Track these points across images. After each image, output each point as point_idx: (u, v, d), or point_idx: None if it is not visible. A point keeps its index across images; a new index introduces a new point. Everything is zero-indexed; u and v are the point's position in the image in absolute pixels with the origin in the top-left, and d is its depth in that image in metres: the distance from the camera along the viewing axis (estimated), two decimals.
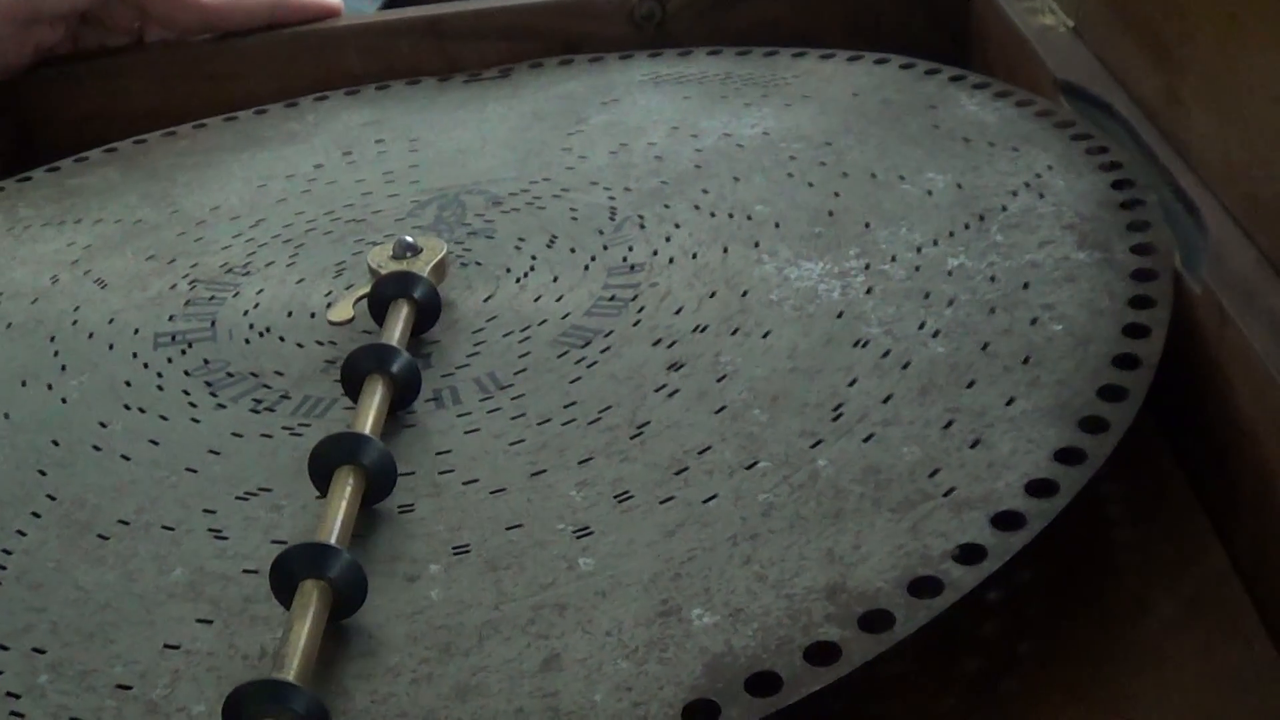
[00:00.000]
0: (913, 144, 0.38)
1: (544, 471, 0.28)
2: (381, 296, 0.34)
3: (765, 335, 0.31)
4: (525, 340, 0.33)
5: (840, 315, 0.31)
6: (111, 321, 0.36)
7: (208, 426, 0.31)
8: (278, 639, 0.24)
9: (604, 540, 0.26)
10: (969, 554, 0.23)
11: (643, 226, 0.37)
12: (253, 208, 0.42)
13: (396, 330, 0.32)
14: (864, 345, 0.30)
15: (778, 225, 0.36)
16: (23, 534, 0.28)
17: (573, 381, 0.31)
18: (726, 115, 0.43)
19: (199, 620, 0.25)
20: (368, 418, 0.29)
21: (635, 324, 0.33)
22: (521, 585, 0.25)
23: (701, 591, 0.24)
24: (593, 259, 0.36)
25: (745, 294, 0.33)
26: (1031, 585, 0.26)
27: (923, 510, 0.25)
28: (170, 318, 0.36)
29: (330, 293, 0.37)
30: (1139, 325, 0.28)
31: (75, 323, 0.36)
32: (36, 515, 0.28)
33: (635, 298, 0.34)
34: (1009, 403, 0.27)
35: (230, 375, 0.33)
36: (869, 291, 0.32)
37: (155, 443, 0.31)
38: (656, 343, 0.32)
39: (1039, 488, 0.25)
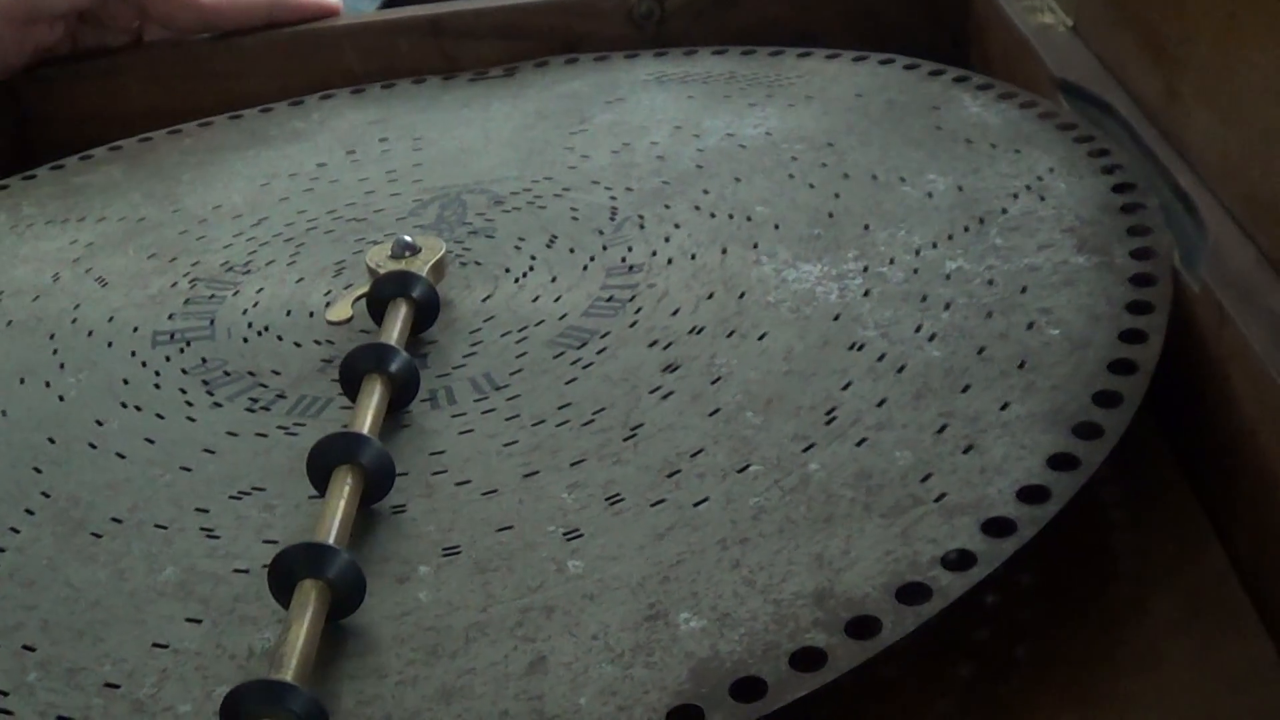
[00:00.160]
0: (915, 145, 0.38)
1: (536, 473, 0.28)
2: (380, 296, 0.34)
3: (761, 337, 0.31)
4: (522, 341, 0.33)
5: (837, 318, 0.31)
6: (111, 320, 0.36)
7: (203, 425, 0.31)
8: (266, 639, 0.24)
9: (594, 543, 0.26)
10: (958, 560, 0.23)
11: (642, 227, 0.37)
12: (255, 206, 0.42)
13: (395, 330, 0.32)
14: (860, 348, 0.30)
15: (777, 227, 0.36)
16: (16, 531, 0.28)
17: (568, 383, 0.31)
18: (730, 115, 0.43)
19: (188, 619, 0.25)
20: (366, 417, 0.29)
21: (632, 325, 0.33)
22: (510, 587, 0.25)
23: (689, 595, 0.24)
24: (592, 259, 0.36)
25: (742, 296, 0.33)
26: (1029, 585, 0.26)
27: (913, 515, 0.25)
28: (170, 316, 0.36)
29: (330, 292, 0.37)
30: (1136, 330, 0.28)
31: (75, 321, 0.37)
32: (30, 513, 0.29)
33: (633, 298, 0.34)
34: (1003, 407, 0.27)
35: (227, 374, 0.33)
36: (866, 294, 0.32)
37: (151, 441, 0.31)
38: (652, 344, 0.32)
39: (1031, 494, 0.24)
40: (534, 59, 0.50)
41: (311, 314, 0.36)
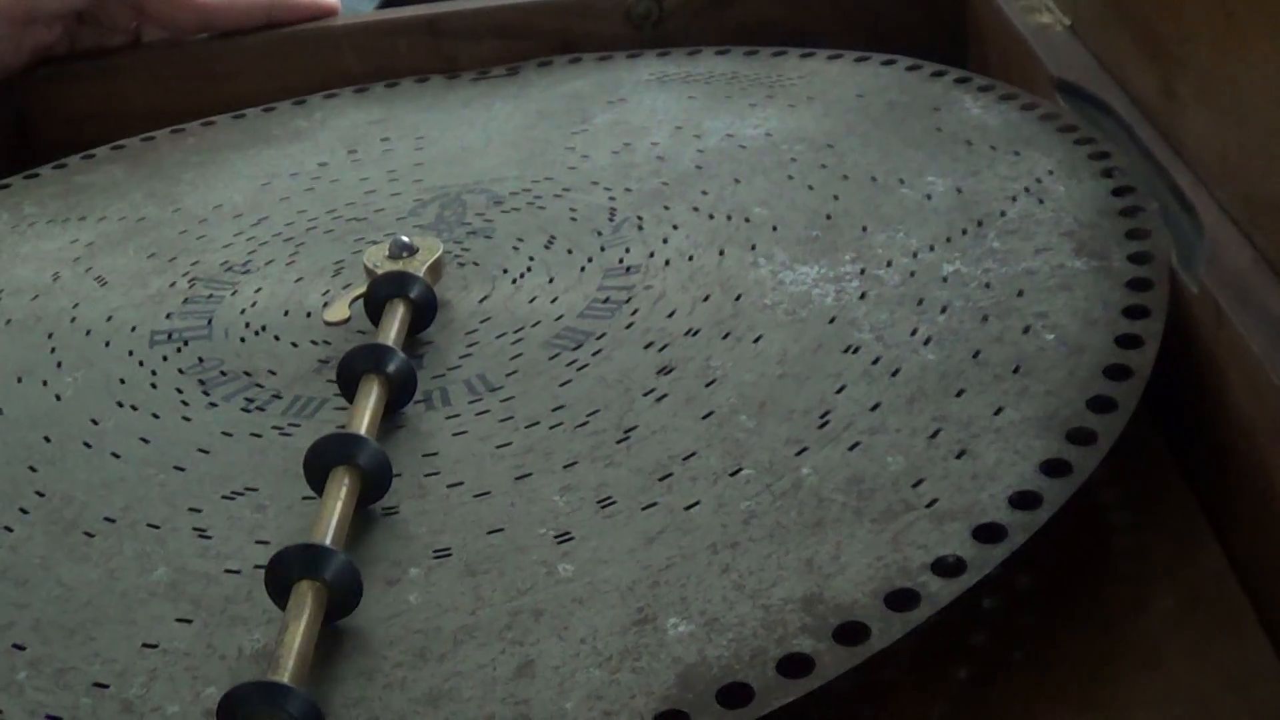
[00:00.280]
0: (914, 147, 0.38)
1: (529, 475, 0.28)
2: (377, 297, 0.34)
3: (756, 340, 0.31)
4: (518, 342, 0.33)
5: (832, 321, 0.31)
6: (110, 319, 0.36)
7: (198, 425, 0.31)
8: (256, 639, 0.25)
9: (584, 546, 0.26)
10: (948, 567, 0.23)
11: (641, 228, 0.37)
12: (256, 205, 0.42)
13: (392, 330, 0.32)
14: (855, 351, 0.30)
15: (775, 228, 0.35)
16: (10, 530, 0.28)
17: (562, 384, 0.31)
18: (730, 116, 0.43)
19: (178, 620, 0.25)
20: (364, 418, 0.29)
21: (628, 327, 0.33)
22: (500, 590, 0.25)
23: (679, 600, 0.24)
24: (589, 260, 0.36)
25: (739, 298, 0.33)
26: (1027, 585, 0.26)
27: (904, 521, 0.24)
28: (168, 315, 0.36)
29: (328, 292, 0.37)
30: (1132, 335, 0.28)
31: (74, 320, 0.37)
32: (24, 511, 0.29)
33: (629, 300, 0.34)
34: (997, 412, 0.27)
35: (224, 374, 0.33)
36: (863, 297, 0.32)
37: (145, 440, 0.31)
38: (648, 346, 0.32)
39: (1023, 500, 0.24)
40: (532, 59, 0.50)
41: (309, 314, 0.36)
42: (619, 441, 0.28)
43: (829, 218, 0.35)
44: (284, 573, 0.24)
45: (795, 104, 0.43)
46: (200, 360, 0.34)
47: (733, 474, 0.27)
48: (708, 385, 0.30)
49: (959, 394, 0.27)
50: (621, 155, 0.42)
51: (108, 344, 0.35)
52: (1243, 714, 0.23)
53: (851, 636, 0.22)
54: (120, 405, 0.32)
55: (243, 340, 0.35)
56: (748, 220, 0.36)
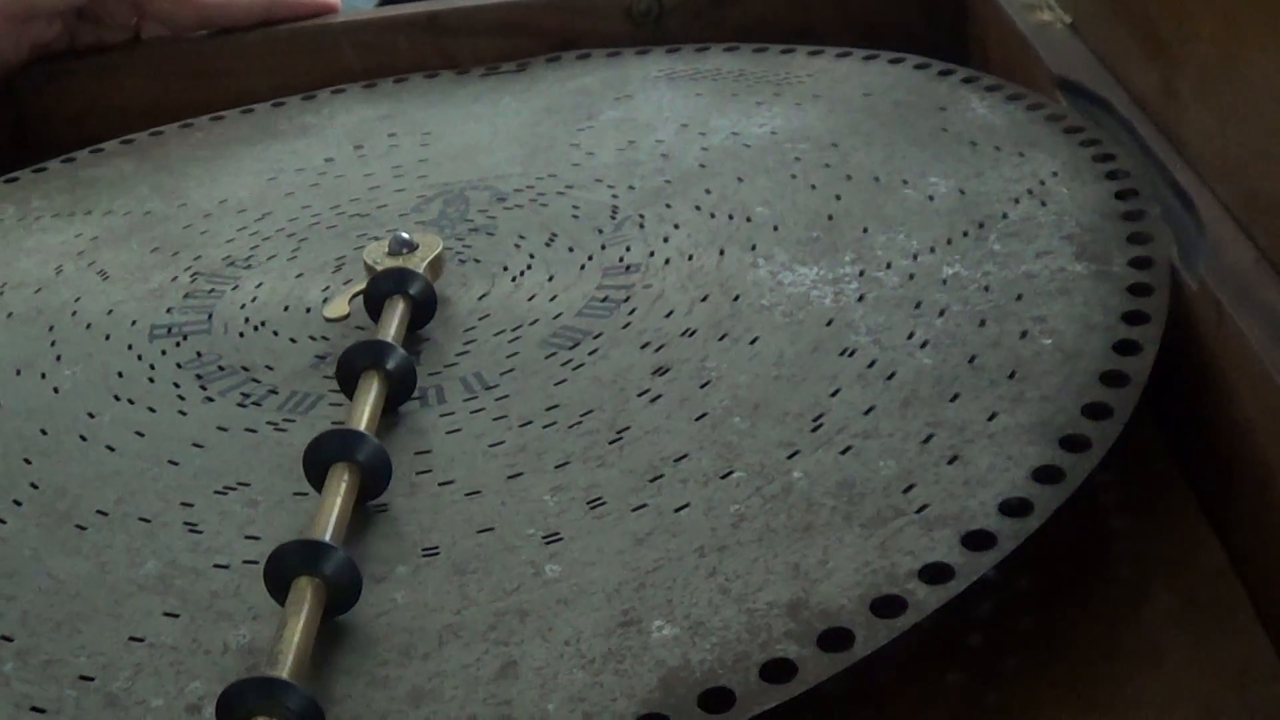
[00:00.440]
0: (919, 147, 0.38)
1: (520, 475, 0.28)
2: (377, 293, 0.34)
3: (753, 341, 0.31)
4: (515, 340, 0.33)
5: (830, 323, 0.31)
6: (110, 313, 0.37)
7: (194, 419, 0.31)
8: (242, 635, 0.25)
9: (572, 547, 0.25)
10: (935, 574, 0.23)
11: (642, 226, 0.37)
12: (260, 201, 0.42)
13: (392, 327, 0.32)
14: (851, 354, 0.29)
15: (776, 228, 0.35)
16: (3, 521, 0.28)
17: (557, 384, 0.31)
18: (736, 114, 0.43)
19: (166, 614, 0.25)
20: (364, 414, 0.29)
21: (625, 326, 0.32)
22: (487, 590, 0.25)
23: (664, 603, 0.24)
24: (590, 258, 0.36)
25: (737, 298, 0.32)
26: (1026, 584, 0.26)
27: (893, 527, 0.24)
28: (168, 310, 0.36)
29: (328, 287, 0.37)
30: (1130, 342, 0.27)
31: (75, 313, 0.37)
32: (18, 503, 0.29)
33: (627, 299, 0.34)
34: (991, 418, 0.26)
35: (221, 369, 0.33)
36: (861, 299, 0.31)
37: (141, 434, 0.31)
38: (644, 346, 0.31)
39: (1013, 507, 0.24)
40: (531, 56, 0.50)
41: (309, 310, 0.36)
42: (611, 442, 0.28)
43: (830, 218, 0.35)
44: (284, 568, 0.24)
45: (802, 102, 0.43)
46: (199, 355, 0.34)
47: (724, 476, 0.26)
48: (702, 386, 0.29)
49: (953, 399, 0.27)
50: (626, 152, 0.42)
51: (108, 338, 0.35)
52: (1243, 713, 0.23)
53: (835, 643, 0.22)
54: (117, 399, 0.32)
55: (242, 335, 0.35)
56: (749, 220, 0.36)
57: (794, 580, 0.23)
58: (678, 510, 0.26)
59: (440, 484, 0.28)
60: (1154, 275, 0.29)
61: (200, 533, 0.27)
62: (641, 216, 0.38)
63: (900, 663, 0.24)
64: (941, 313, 0.30)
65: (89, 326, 0.36)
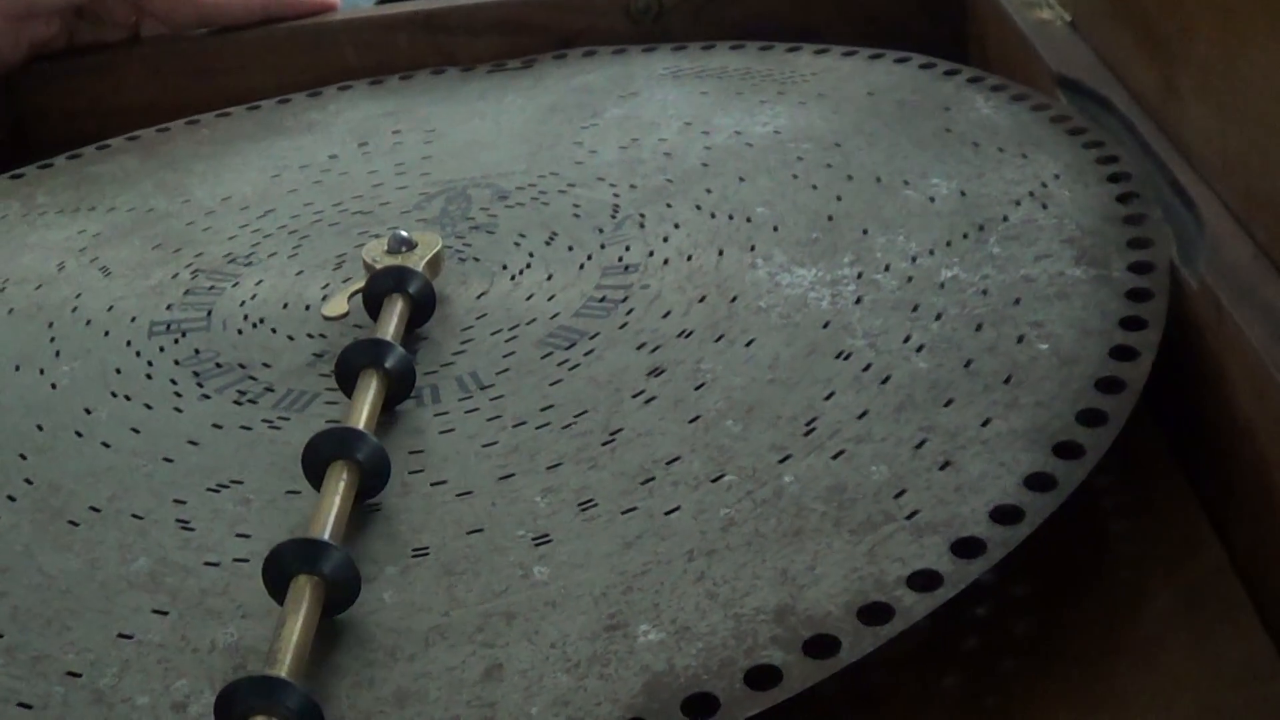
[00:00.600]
0: (922, 147, 0.37)
1: (512, 476, 0.28)
2: (377, 291, 0.34)
3: (749, 344, 0.30)
4: (512, 340, 0.33)
5: (826, 325, 0.30)
6: (110, 309, 0.37)
7: (189, 417, 0.31)
8: (230, 633, 0.25)
9: (562, 549, 0.25)
10: (924, 581, 0.23)
11: (643, 226, 0.37)
12: (263, 198, 0.42)
13: (391, 325, 0.32)
14: (846, 358, 0.29)
15: (776, 229, 0.35)
16: None
17: (552, 384, 0.31)
18: (740, 112, 0.42)
19: (154, 611, 0.25)
20: (363, 413, 0.29)
21: (622, 327, 0.32)
22: (475, 591, 0.25)
23: (651, 607, 0.23)
24: (589, 258, 0.36)
25: (734, 300, 0.32)
26: (1027, 581, 0.26)
27: (883, 533, 0.24)
28: (168, 307, 0.37)
29: (328, 285, 0.37)
30: (1127, 348, 0.27)
31: (75, 310, 0.37)
32: (12, 499, 0.29)
33: (625, 299, 0.33)
34: (985, 423, 0.26)
35: (219, 366, 0.33)
36: (858, 301, 0.31)
37: (136, 431, 0.31)
38: (640, 347, 0.31)
39: (1004, 514, 0.24)
40: (530, 55, 0.50)
41: (308, 307, 0.36)
42: (604, 444, 0.28)
43: (830, 219, 0.35)
44: (282, 567, 0.24)
45: (806, 101, 0.42)
46: (197, 352, 0.34)
47: (715, 480, 0.26)
48: (697, 389, 0.29)
49: (948, 404, 0.27)
50: (629, 151, 0.41)
51: (107, 334, 0.35)
52: (1243, 711, 0.23)
53: (821, 649, 0.22)
54: (114, 395, 0.32)
55: (240, 333, 0.35)
56: (749, 220, 0.36)
57: (782, 586, 0.23)
58: (668, 513, 0.26)
59: (433, 484, 0.28)
60: (1154, 280, 0.29)
61: (192, 530, 0.27)
62: (642, 216, 0.37)
63: (899, 664, 0.24)
64: (938, 316, 0.30)
65: (88, 323, 0.36)
